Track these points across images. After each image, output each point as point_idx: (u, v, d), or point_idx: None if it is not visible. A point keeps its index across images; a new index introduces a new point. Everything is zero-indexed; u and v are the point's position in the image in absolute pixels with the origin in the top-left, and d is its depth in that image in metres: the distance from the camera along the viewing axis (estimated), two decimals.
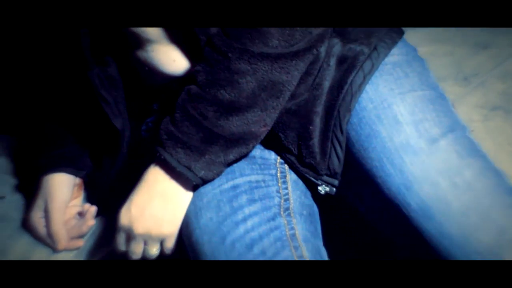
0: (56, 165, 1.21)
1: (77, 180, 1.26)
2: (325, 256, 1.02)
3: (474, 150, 0.99)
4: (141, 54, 1.07)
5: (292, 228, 1.01)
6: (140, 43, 1.05)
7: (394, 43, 1.07)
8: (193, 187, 1.03)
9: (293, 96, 1.03)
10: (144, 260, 1.05)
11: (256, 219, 0.99)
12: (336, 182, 1.07)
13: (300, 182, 1.12)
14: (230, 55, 0.93)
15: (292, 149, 1.07)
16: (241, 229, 0.97)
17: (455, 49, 1.60)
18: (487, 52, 1.57)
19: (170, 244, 1.04)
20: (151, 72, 1.08)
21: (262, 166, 1.09)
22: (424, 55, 1.14)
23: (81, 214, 1.25)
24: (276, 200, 1.05)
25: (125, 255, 1.05)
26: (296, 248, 0.97)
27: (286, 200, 1.06)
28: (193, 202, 1.03)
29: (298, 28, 0.94)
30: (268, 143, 1.11)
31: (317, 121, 1.03)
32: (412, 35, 1.22)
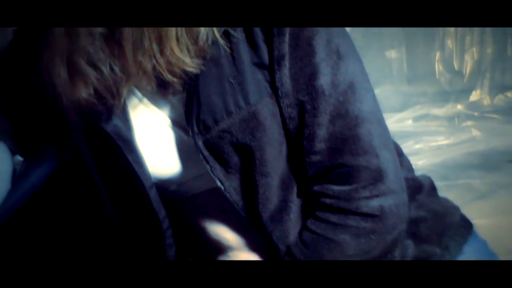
0: None
1: None
2: None
3: None
4: (220, 257, 1.14)
5: None
6: (221, 249, 1.12)
7: (464, 240, 1.12)
8: None
9: None
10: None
11: None
12: None
13: None
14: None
15: None
16: None
17: None
18: None
19: None
20: None
21: None
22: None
23: None
24: None
25: None
26: None
27: None
28: None
29: (373, 236, 0.99)
30: None
31: None
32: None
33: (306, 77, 0.96)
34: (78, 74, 0.93)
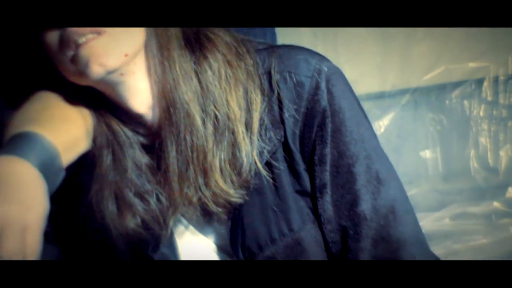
0: None
1: None
2: None
3: None
4: None
5: None
6: None
7: None
8: None
9: None
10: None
11: None
12: None
13: None
14: None
15: None
16: None
17: None
18: None
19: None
20: None
21: None
22: None
23: None
24: None
25: None
26: None
27: None
28: None
29: None
30: None
31: None
32: None
33: (348, 203, 0.98)
34: (126, 205, 0.97)
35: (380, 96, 2.15)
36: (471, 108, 2.19)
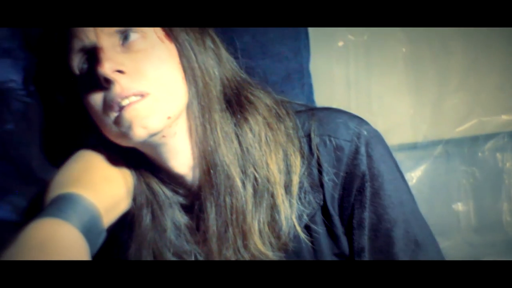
0: None
1: None
2: None
3: None
4: None
5: None
6: None
7: None
8: None
9: None
10: None
11: None
12: None
13: None
14: None
15: None
16: None
17: None
18: None
19: None
20: None
21: None
22: None
23: None
24: None
25: None
26: None
27: None
28: None
29: None
30: None
31: None
32: None
33: None
34: None
35: (412, 147, 2.15)
36: (504, 161, 2.18)
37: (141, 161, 1.01)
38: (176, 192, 1.01)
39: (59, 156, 1.04)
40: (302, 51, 1.54)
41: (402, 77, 2.08)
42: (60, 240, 0.82)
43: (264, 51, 1.44)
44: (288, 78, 1.48)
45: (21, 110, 1.06)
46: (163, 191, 1.01)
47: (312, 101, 1.58)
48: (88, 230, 0.86)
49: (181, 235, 0.99)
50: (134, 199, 1.00)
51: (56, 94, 1.03)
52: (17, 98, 1.06)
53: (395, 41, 2.05)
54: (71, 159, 0.99)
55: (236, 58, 1.05)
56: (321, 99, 1.80)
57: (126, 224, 0.99)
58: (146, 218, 0.99)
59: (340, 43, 1.97)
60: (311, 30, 1.74)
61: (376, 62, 2.04)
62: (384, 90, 2.08)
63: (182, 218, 1.00)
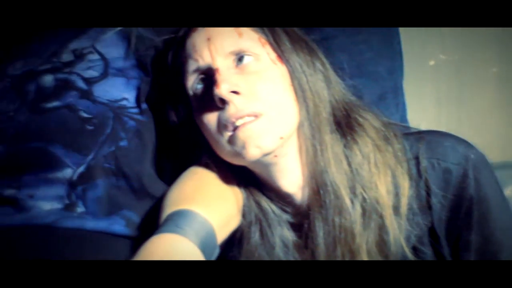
0: None
1: None
2: None
3: None
4: None
5: None
6: None
7: None
8: None
9: None
10: None
11: None
12: None
13: None
14: None
15: None
16: None
17: None
18: None
19: None
20: None
21: None
22: None
23: None
24: None
25: None
26: None
27: None
28: None
29: None
30: None
31: None
32: None
33: None
34: None
35: (502, 166, 2.12)
36: None
37: (251, 179, 1.04)
38: (285, 211, 1.04)
39: (170, 173, 1.08)
40: (397, 70, 1.54)
41: (493, 96, 2.06)
42: (181, 254, 0.85)
43: (361, 70, 1.45)
44: (383, 97, 1.48)
45: (133, 127, 1.09)
46: (272, 209, 1.03)
47: (406, 120, 1.58)
48: (205, 246, 0.89)
49: (289, 252, 1.01)
50: (244, 216, 1.03)
51: (169, 112, 1.08)
52: (129, 116, 1.10)
53: (486, 60, 2.03)
54: (183, 176, 1.03)
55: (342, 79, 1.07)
56: (413, 119, 1.80)
57: (235, 240, 1.02)
58: (255, 235, 1.02)
59: (432, 62, 1.98)
60: (405, 49, 1.74)
61: (467, 82, 2.03)
62: (474, 110, 2.06)
63: (290, 236, 1.03)
